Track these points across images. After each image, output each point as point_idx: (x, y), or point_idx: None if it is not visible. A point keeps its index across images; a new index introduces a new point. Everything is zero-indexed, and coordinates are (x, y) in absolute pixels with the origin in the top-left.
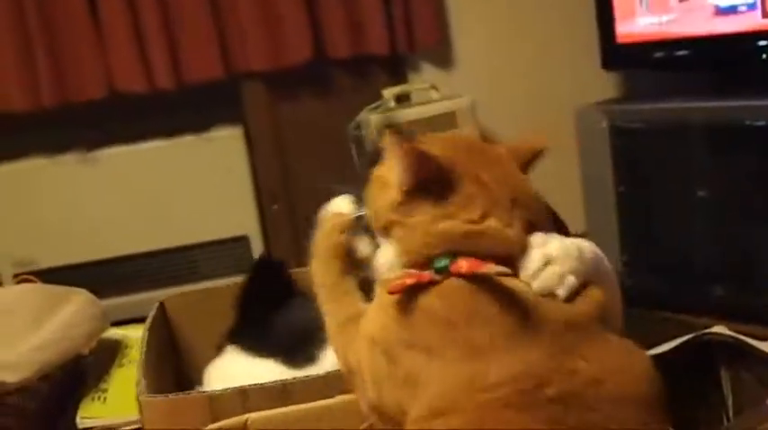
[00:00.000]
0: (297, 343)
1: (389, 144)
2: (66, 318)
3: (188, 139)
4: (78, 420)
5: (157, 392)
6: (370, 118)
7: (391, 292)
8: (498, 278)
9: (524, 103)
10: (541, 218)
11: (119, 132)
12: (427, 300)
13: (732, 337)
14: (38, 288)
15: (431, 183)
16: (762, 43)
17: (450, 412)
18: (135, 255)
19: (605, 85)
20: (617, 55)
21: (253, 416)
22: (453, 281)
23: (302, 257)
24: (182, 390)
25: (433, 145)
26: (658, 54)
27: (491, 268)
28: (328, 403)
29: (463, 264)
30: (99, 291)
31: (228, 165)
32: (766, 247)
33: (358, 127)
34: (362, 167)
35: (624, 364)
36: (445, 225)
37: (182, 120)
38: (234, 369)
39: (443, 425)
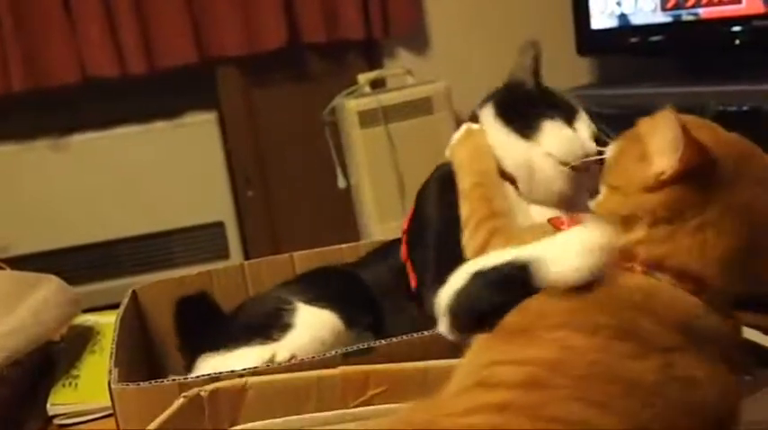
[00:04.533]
0: (268, 320)
1: (667, 120)
2: (36, 304)
3: (162, 125)
4: (49, 406)
5: (129, 380)
6: (345, 103)
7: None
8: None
9: None
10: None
11: (91, 118)
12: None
13: None
14: (7, 274)
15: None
16: (735, 29)
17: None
18: (109, 241)
19: (579, 70)
20: (592, 41)
21: (251, 379)
22: None
23: (278, 243)
24: (154, 379)
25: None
26: (633, 40)
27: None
28: (330, 372)
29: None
30: (72, 278)
31: (203, 150)
32: None
33: (333, 112)
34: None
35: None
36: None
37: (155, 105)
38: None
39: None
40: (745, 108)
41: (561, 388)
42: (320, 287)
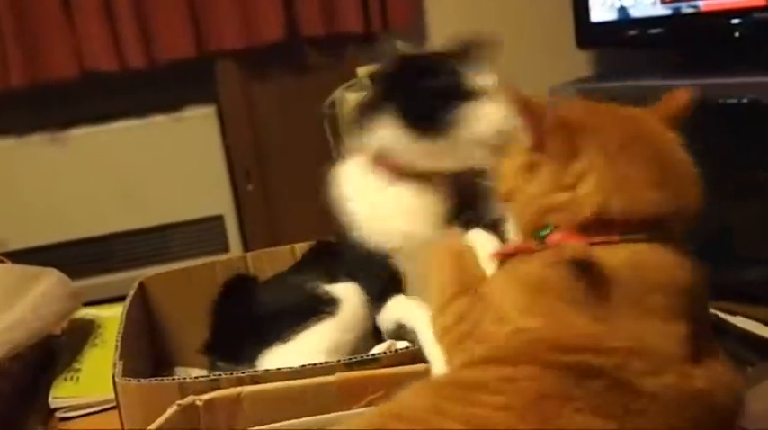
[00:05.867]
0: (309, 303)
1: (513, 102)
2: (36, 297)
3: (160, 119)
4: (51, 399)
5: (134, 373)
6: (345, 96)
7: (492, 257)
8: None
9: (498, 80)
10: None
11: (90, 112)
12: (526, 267)
13: None
14: (7, 268)
15: (555, 144)
16: (734, 21)
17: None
18: (107, 235)
19: (579, 63)
20: (591, 34)
21: (246, 389)
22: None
23: (277, 236)
24: (159, 370)
25: (570, 108)
26: (633, 32)
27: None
28: (324, 380)
29: (556, 237)
30: (72, 272)
31: (202, 144)
32: (740, 224)
33: (332, 105)
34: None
35: (730, 382)
36: (551, 200)
37: (154, 99)
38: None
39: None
40: (744, 100)
41: (575, 400)
42: (328, 266)
